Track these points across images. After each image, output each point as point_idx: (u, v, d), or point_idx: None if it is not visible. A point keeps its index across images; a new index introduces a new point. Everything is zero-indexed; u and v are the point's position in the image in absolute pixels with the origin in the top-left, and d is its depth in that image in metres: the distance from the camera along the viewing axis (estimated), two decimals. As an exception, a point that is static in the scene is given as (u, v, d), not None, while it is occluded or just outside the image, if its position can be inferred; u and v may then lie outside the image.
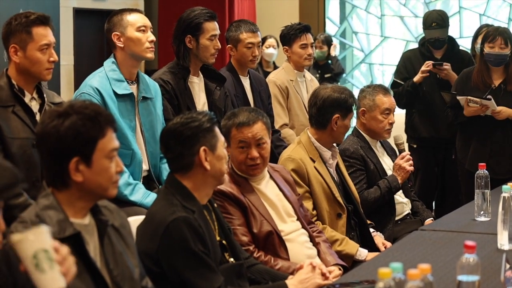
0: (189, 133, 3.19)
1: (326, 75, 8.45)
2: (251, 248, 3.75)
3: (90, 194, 2.62)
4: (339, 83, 8.52)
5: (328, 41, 8.77)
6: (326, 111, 4.51)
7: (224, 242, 3.36)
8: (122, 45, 4.37)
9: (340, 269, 3.92)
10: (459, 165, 6.03)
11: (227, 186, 3.80)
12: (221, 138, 3.29)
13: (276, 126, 5.81)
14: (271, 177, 4.04)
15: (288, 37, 6.01)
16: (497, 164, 5.58)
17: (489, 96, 5.63)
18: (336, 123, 4.49)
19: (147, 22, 4.44)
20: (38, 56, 3.81)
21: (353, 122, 5.10)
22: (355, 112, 4.72)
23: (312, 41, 6.05)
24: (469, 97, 5.69)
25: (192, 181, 3.22)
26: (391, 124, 4.98)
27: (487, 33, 5.82)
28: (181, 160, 3.21)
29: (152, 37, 4.42)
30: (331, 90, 4.58)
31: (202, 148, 3.19)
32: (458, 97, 5.77)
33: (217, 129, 3.28)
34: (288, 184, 4.11)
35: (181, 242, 3.07)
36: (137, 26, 4.37)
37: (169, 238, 3.07)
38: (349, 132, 5.23)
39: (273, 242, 3.83)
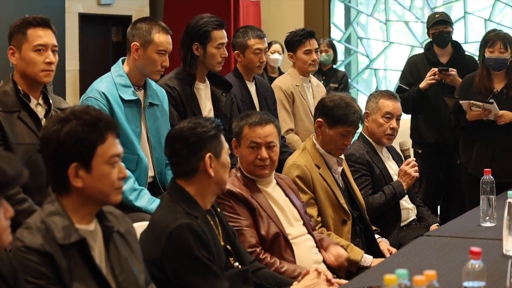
0: (196, 138, 3.19)
1: (333, 85, 8.39)
2: (257, 250, 3.76)
3: (92, 200, 2.62)
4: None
5: (333, 45, 8.74)
6: (315, 114, 4.60)
7: (228, 247, 3.35)
8: (136, 57, 4.36)
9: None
10: (462, 169, 6.04)
11: (236, 186, 3.83)
12: (226, 146, 3.29)
13: (281, 132, 5.81)
14: (277, 183, 4.05)
15: (292, 43, 6.02)
16: (500, 167, 5.57)
17: (491, 100, 5.65)
18: (320, 128, 4.50)
19: (170, 47, 4.41)
20: (32, 56, 3.77)
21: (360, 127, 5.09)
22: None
23: (317, 46, 6.06)
24: (471, 101, 5.71)
25: (195, 187, 3.22)
26: (393, 129, 4.96)
27: (487, 38, 5.86)
28: (185, 164, 3.21)
29: (167, 63, 4.39)
30: (329, 97, 4.59)
31: (208, 155, 3.20)
32: (461, 101, 5.78)
33: (222, 137, 3.29)
34: (293, 192, 4.13)
35: (185, 249, 3.06)
36: (159, 48, 4.35)
37: (172, 245, 3.06)
38: (354, 137, 5.23)
39: (279, 245, 3.84)
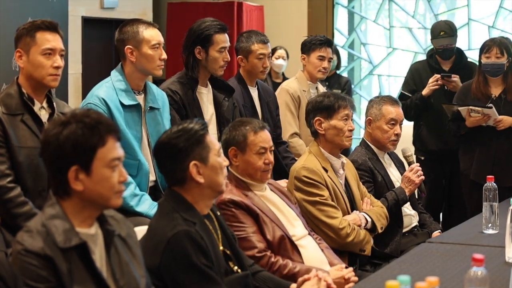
0: (178, 149, 3.14)
1: (336, 90, 8.37)
2: (268, 253, 3.75)
3: (93, 204, 2.60)
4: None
5: (337, 51, 8.72)
6: (308, 118, 4.62)
7: (227, 251, 3.32)
8: (134, 60, 4.35)
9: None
10: (462, 176, 6.02)
11: (236, 195, 3.81)
12: (214, 147, 3.22)
13: (286, 135, 5.81)
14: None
15: (308, 45, 6.09)
16: (501, 172, 5.57)
17: (490, 105, 5.65)
18: (321, 126, 4.52)
19: (162, 39, 4.41)
20: (40, 60, 3.78)
21: (362, 133, 5.09)
22: (348, 112, 4.59)
23: (331, 56, 6.11)
24: (470, 107, 5.71)
25: (190, 193, 3.19)
26: (397, 135, 4.97)
27: (483, 44, 5.88)
28: (173, 175, 3.19)
29: (165, 55, 4.40)
30: (312, 98, 4.74)
31: (192, 163, 3.14)
32: (459, 108, 5.79)
33: (208, 138, 3.21)
34: (283, 195, 4.12)
35: (183, 257, 3.03)
36: (152, 43, 4.35)
37: (170, 253, 3.04)
38: (357, 143, 5.22)
39: (286, 248, 3.84)
